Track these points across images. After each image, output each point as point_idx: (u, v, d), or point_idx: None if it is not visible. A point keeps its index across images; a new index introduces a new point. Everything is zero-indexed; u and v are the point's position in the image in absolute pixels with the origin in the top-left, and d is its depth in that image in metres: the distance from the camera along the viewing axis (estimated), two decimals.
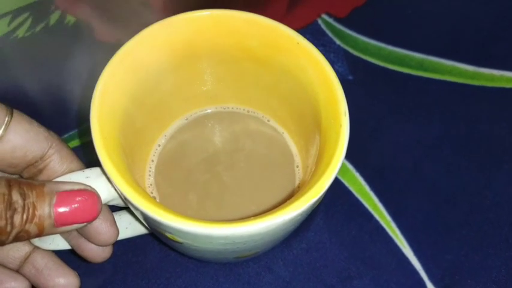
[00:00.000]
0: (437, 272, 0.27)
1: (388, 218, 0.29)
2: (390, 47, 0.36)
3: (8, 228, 0.18)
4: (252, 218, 0.18)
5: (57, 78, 0.33)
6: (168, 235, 0.20)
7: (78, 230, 0.22)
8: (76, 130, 0.32)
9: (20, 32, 0.37)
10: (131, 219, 0.25)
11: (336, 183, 0.30)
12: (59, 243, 0.24)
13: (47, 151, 0.22)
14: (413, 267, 0.28)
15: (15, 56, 0.35)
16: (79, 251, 0.24)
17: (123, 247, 0.28)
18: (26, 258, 0.24)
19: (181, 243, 0.20)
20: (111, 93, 0.22)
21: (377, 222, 0.29)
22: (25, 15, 0.38)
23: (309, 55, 0.23)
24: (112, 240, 0.23)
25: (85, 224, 0.20)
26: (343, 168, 0.31)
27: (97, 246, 0.23)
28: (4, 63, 0.35)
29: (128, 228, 0.25)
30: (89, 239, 0.23)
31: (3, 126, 0.21)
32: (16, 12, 0.38)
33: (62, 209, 0.19)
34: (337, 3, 0.39)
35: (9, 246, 0.23)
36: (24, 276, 0.23)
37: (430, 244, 0.28)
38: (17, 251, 0.23)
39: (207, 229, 0.18)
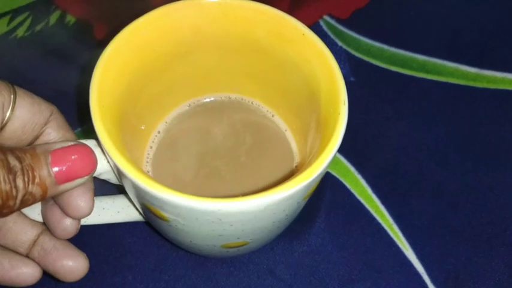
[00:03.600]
0: (440, 275, 0.27)
1: (391, 220, 0.29)
2: (393, 49, 0.36)
3: (14, 192, 0.18)
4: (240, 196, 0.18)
5: (57, 78, 0.33)
6: (156, 211, 0.20)
7: (56, 200, 0.22)
8: (79, 129, 0.32)
9: (20, 32, 0.36)
10: (124, 204, 0.26)
11: (338, 186, 0.30)
12: None
13: (49, 118, 0.22)
14: (416, 270, 0.27)
15: (14, 55, 0.35)
16: (48, 224, 0.24)
17: (122, 249, 0.28)
18: (35, 242, 0.24)
19: (168, 221, 0.20)
20: (113, 68, 0.22)
21: (379, 224, 0.29)
22: (25, 14, 0.37)
23: (313, 46, 0.23)
24: (86, 212, 0.22)
25: (86, 177, 0.20)
26: (345, 170, 0.31)
27: (65, 222, 0.23)
28: (3, 62, 0.34)
29: (120, 212, 0.25)
30: (65, 209, 0.22)
31: (11, 105, 0.21)
32: (16, 12, 0.37)
33: (59, 167, 0.19)
34: (339, 4, 0.39)
35: (18, 230, 0.23)
36: (33, 258, 0.23)
37: (433, 247, 0.28)
38: (25, 235, 0.24)
39: (193, 202, 0.18)
